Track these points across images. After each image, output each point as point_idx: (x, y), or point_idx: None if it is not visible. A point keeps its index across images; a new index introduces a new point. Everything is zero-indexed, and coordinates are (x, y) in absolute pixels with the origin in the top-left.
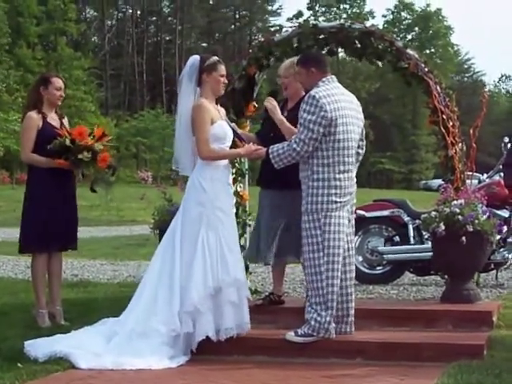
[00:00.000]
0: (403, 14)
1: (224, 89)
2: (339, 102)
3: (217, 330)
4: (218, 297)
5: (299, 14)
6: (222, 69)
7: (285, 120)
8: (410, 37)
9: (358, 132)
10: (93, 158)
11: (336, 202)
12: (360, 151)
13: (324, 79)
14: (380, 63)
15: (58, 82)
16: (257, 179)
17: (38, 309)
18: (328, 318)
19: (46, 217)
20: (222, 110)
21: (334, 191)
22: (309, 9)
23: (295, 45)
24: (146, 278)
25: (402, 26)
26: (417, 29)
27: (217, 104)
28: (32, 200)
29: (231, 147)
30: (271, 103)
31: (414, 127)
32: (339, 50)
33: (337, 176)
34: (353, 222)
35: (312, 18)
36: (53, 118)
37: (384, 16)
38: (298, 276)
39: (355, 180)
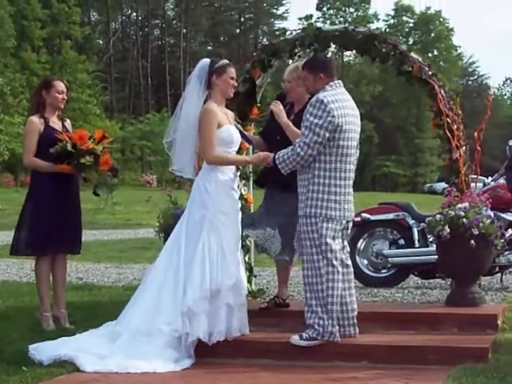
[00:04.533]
0: (404, 18)
1: (233, 91)
2: (345, 109)
3: (210, 332)
4: (215, 299)
5: (309, 17)
6: (232, 71)
7: (290, 124)
8: (412, 40)
9: (357, 139)
10: (95, 161)
11: (335, 210)
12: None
13: (332, 83)
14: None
15: (59, 85)
16: (255, 180)
17: (42, 312)
18: (330, 321)
19: (50, 220)
20: (231, 114)
21: (333, 198)
22: (318, 9)
23: (298, 48)
24: (150, 279)
25: (404, 30)
26: (419, 32)
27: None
28: (35, 204)
29: (237, 150)
30: (277, 107)
31: (419, 130)
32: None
33: (337, 182)
34: (350, 226)
35: (321, 19)
36: (55, 122)
37: (385, 20)
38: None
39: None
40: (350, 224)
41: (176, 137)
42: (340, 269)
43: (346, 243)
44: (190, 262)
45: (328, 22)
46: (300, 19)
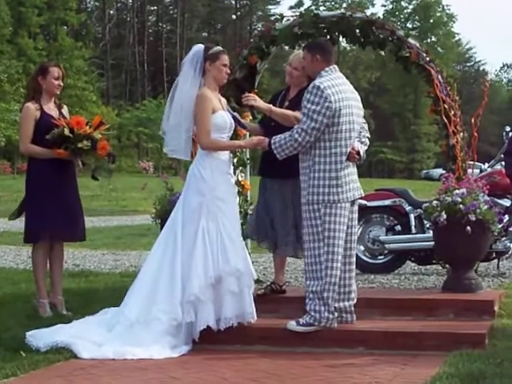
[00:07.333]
0: (403, 3)
1: (227, 78)
2: (343, 93)
3: (217, 319)
4: (218, 286)
5: (300, 3)
6: (225, 58)
7: (272, 106)
8: (410, 26)
9: (359, 122)
10: (92, 146)
11: (337, 194)
12: (367, 134)
13: (327, 69)
14: (382, 52)
15: (56, 71)
16: (258, 169)
17: (38, 298)
18: (326, 307)
19: (47, 207)
20: (224, 100)
21: (334, 182)
22: None
23: (297, 33)
24: (146, 267)
25: (402, 16)
26: (417, 18)
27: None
28: (32, 191)
29: (232, 137)
30: (250, 101)
31: (415, 116)
32: (340, 39)
33: (338, 166)
34: (355, 209)
35: (313, 7)
36: (51, 108)
37: (383, 6)
38: (300, 265)
39: (356, 170)
40: (356, 206)
41: (170, 119)
42: (340, 257)
43: (354, 225)
44: (191, 250)
45: (321, 8)
46: (291, 7)
